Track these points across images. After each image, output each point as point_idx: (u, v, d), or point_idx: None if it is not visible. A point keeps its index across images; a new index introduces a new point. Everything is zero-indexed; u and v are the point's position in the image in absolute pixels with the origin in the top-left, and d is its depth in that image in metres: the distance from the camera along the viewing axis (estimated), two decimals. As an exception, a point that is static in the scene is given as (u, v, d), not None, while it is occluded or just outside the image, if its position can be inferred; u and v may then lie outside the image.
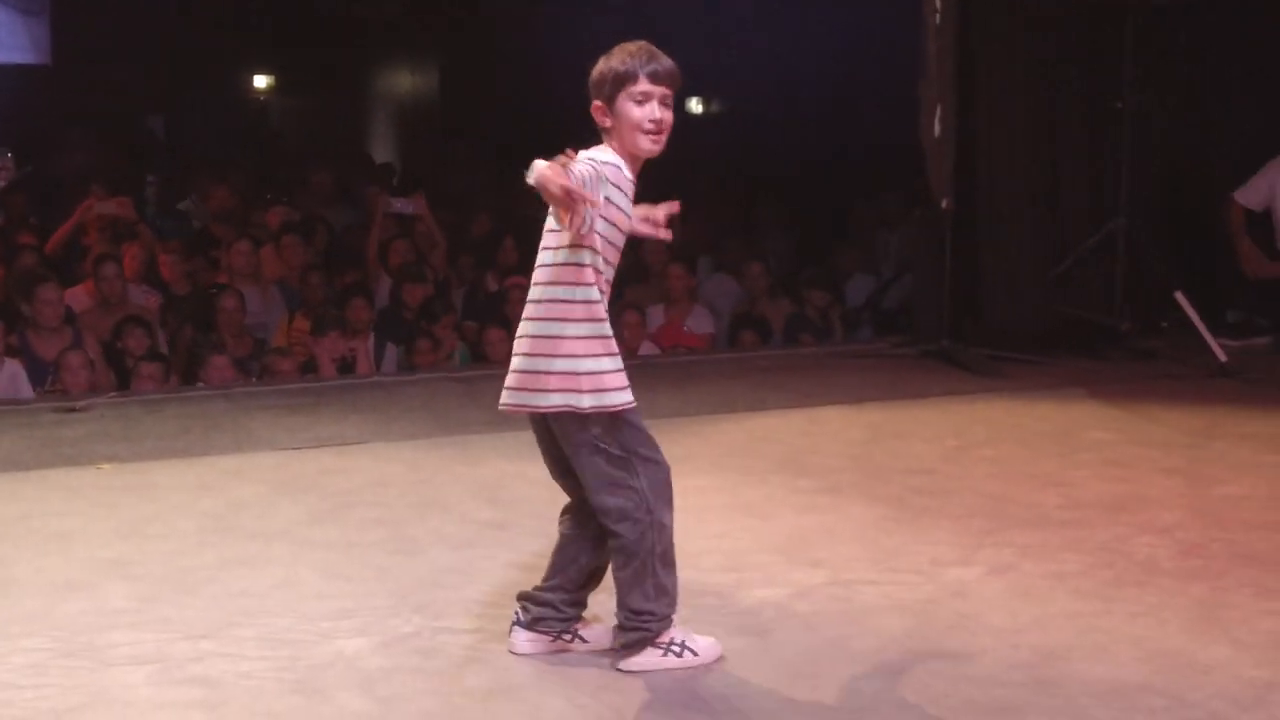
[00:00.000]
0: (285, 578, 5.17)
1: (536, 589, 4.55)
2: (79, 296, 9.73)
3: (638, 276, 10.54)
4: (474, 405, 7.68)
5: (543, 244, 4.33)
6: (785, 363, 8.61)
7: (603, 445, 4.27)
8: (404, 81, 19.86)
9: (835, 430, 7.17)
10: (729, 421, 7.31)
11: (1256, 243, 9.15)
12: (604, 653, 4.48)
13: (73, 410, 7.57)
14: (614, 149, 4.34)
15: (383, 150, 17.20)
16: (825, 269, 11.02)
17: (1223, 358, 8.35)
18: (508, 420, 7.22)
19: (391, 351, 9.47)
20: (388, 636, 4.65)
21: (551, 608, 4.51)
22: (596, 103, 4.36)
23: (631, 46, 4.37)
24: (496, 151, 15.59)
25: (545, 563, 4.67)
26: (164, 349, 9.25)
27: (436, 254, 11.00)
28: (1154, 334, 8.91)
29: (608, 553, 4.41)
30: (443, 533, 5.65)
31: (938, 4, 8.42)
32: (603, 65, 4.36)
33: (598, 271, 4.23)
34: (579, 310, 4.23)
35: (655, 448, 4.36)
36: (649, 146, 4.32)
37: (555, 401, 4.24)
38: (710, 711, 4.17)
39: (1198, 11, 8.89)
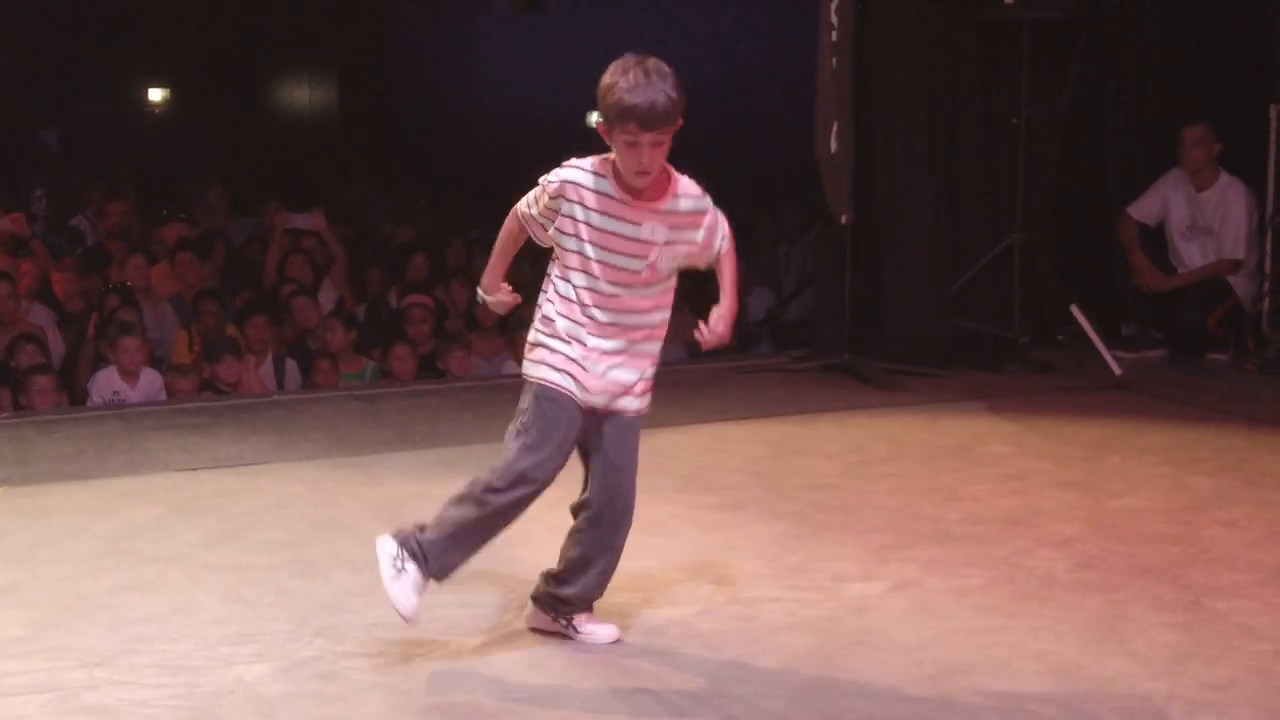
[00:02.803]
0: (183, 603, 5.09)
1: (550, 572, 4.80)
2: (-31, 315, 9.57)
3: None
4: (376, 424, 7.64)
5: None
6: (687, 378, 8.57)
7: (520, 409, 4.55)
8: (302, 95, 19.73)
9: (737, 446, 7.18)
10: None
11: (1150, 257, 9.29)
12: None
13: (-38, 432, 7.44)
14: (615, 172, 4.45)
15: (280, 165, 17.01)
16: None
17: (1118, 371, 8.44)
18: (409, 440, 7.29)
19: (292, 368, 9.39)
20: (288, 662, 4.60)
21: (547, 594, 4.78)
22: (599, 121, 4.44)
23: (636, 73, 4.35)
24: (396, 165, 15.57)
25: (453, 584, 4.67)
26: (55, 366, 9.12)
27: (335, 270, 10.93)
28: (1051, 347, 9.01)
29: (587, 544, 4.70)
30: (345, 555, 5.58)
31: (834, 21, 8.47)
32: (609, 84, 4.38)
33: (567, 269, 4.49)
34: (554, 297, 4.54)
35: (540, 449, 4.51)
36: (635, 182, 4.43)
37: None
38: (615, 733, 4.16)
39: (1092, 28, 8.99)
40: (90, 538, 5.78)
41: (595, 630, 4.75)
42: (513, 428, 4.56)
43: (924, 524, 5.94)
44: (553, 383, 4.50)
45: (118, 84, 18.94)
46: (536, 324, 4.60)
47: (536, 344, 4.57)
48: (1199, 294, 9.06)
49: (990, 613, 5.01)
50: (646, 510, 6.01)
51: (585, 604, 4.76)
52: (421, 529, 4.61)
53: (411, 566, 4.53)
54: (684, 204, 4.53)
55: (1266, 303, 8.76)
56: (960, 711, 4.27)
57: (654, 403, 4.72)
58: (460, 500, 4.60)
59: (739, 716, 4.25)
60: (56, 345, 9.61)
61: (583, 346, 4.49)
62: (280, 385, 9.18)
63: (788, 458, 6.97)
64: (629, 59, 4.42)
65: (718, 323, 4.68)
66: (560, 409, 4.50)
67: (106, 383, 8.72)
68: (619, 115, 4.34)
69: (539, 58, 15.75)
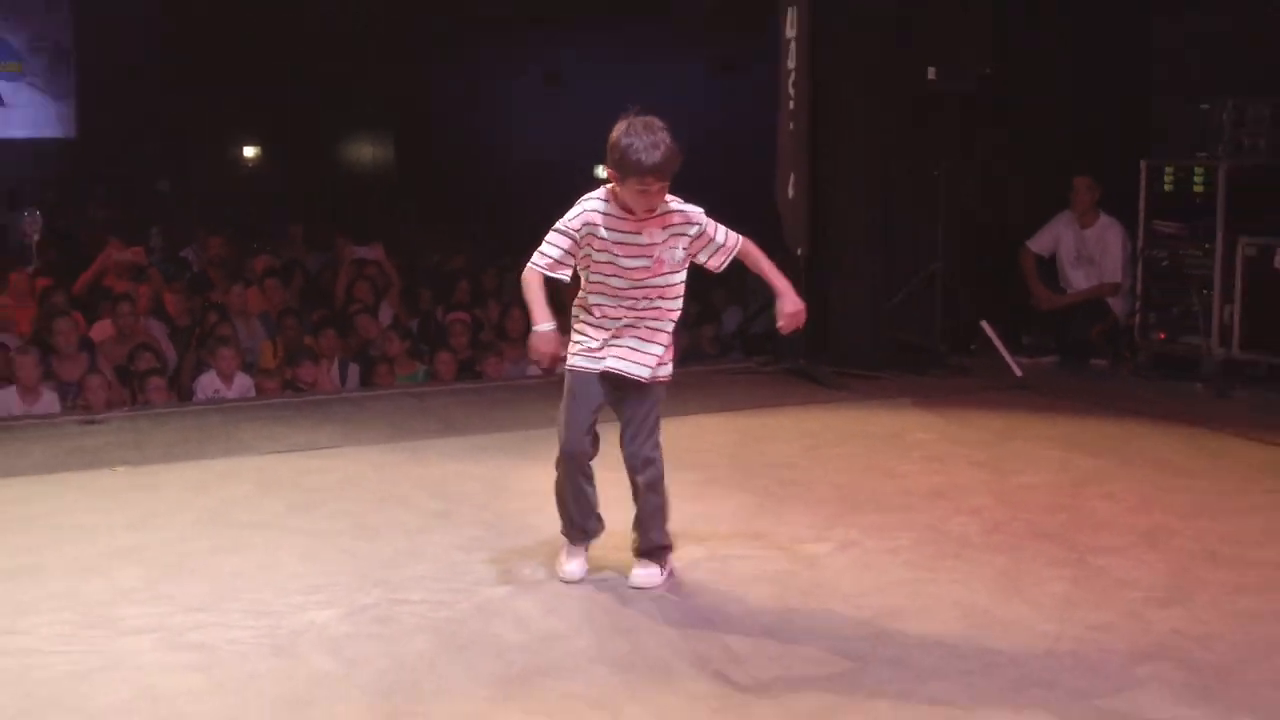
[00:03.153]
0: (267, 560, 5.08)
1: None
2: (103, 328, 9.57)
3: (558, 311, 10.45)
4: (424, 417, 7.62)
5: None
6: (674, 380, 8.51)
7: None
8: (366, 152, 19.75)
9: (713, 434, 7.16)
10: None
11: (1045, 281, 9.28)
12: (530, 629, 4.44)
13: (92, 423, 7.41)
14: (614, 196, 4.55)
15: (347, 207, 17.00)
16: (708, 305, 10.99)
17: (1019, 373, 8.44)
18: (452, 429, 7.27)
19: (356, 371, 9.37)
20: (351, 608, 4.58)
21: None
22: (609, 167, 4.49)
23: (644, 135, 4.39)
24: (438, 210, 15.57)
25: (484, 545, 4.69)
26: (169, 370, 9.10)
27: (391, 292, 10.91)
28: (965, 354, 8.98)
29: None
30: (398, 521, 5.57)
31: (791, 93, 8.48)
32: (623, 145, 4.41)
33: (591, 284, 4.64)
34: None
35: (568, 421, 4.67)
36: (642, 215, 4.54)
37: None
38: (614, 662, 4.14)
39: (997, 99, 8.98)
40: (193, 509, 5.77)
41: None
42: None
43: (864, 496, 5.93)
44: (577, 366, 4.65)
45: (219, 143, 18.95)
46: (573, 329, 4.73)
47: (576, 340, 4.70)
48: (1084, 312, 9.05)
49: (916, 568, 5.00)
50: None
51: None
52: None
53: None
54: (672, 210, 4.62)
55: (1138, 319, 8.74)
56: (891, 646, 4.26)
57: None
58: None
59: (713, 653, 4.23)
60: (168, 353, 9.59)
61: (605, 333, 4.62)
62: (344, 384, 9.16)
63: (755, 443, 6.95)
64: (634, 120, 4.45)
65: (785, 305, 4.86)
66: (584, 383, 4.64)
67: (208, 383, 8.70)
68: (634, 170, 4.41)
69: (557, 121, 15.75)
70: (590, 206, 4.59)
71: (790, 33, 8.41)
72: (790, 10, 8.38)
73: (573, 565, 4.83)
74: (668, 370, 4.74)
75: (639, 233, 4.57)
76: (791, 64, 8.45)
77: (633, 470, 4.74)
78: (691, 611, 4.58)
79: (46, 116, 18.63)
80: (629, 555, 4.86)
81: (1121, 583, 4.82)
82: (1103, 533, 5.38)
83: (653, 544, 4.79)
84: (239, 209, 15.63)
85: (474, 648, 4.26)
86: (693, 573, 4.93)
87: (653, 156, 4.38)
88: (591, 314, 4.68)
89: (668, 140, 4.42)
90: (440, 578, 4.87)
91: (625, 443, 4.73)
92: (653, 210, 4.54)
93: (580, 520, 4.81)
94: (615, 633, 4.38)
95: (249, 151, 19.51)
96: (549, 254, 4.59)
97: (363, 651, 4.23)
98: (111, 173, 17.10)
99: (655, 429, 4.74)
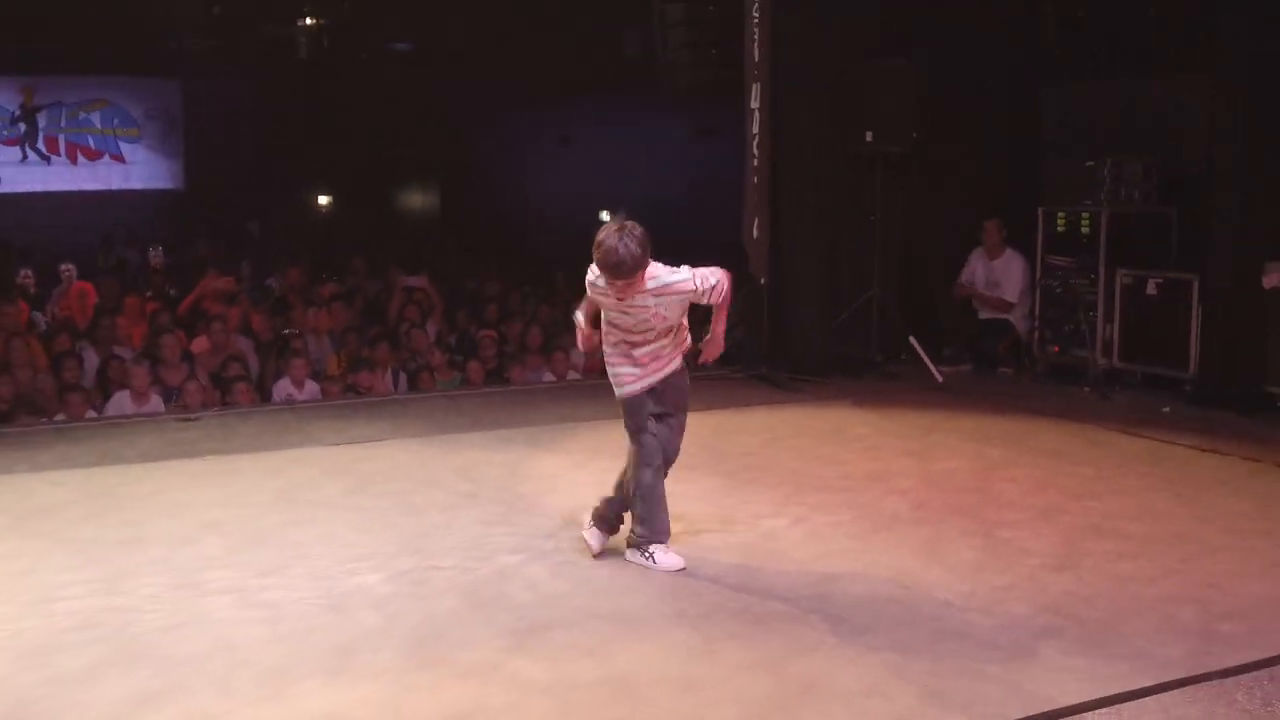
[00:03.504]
0: (326, 533, 4.99)
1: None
2: (201, 343, 9.46)
3: (568, 329, 10.39)
4: (458, 414, 7.52)
5: None
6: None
7: (623, 416, 4.58)
8: (416, 199, 19.68)
9: (693, 428, 6.91)
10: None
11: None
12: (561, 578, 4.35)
13: (189, 420, 7.31)
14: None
15: (399, 244, 16.92)
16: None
17: (940, 379, 8.34)
18: (481, 424, 7.18)
19: (404, 378, 9.26)
20: (393, 572, 4.50)
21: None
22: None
23: (613, 242, 4.21)
24: (474, 246, 15.48)
25: (504, 520, 4.60)
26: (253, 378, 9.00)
27: (435, 314, 10.80)
28: (896, 363, 8.87)
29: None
30: (434, 500, 5.48)
31: (755, 152, 8.40)
32: (598, 241, 4.26)
33: (612, 327, 4.54)
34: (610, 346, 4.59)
35: (644, 427, 4.58)
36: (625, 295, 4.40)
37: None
38: (607, 617, 4.05)
39: (922, 157, 8.90)
40: (267, 490, 5.68)
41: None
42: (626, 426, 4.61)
43: (813, 479, 5.84)
44: (632, 392, 4.56)
45: (298, 192, 18.91)
46: (609, 367, 4.61)
47: (619, 373, 4.57)
48: (992, 329, 8.94)
49: (855, 539, 4.91)
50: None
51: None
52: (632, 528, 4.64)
53: (654, 548, 4.58)
54: (655, 283, 4.39)
55: (1036, 335, 8.64)
56: (836, 604, 4.19)
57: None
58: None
59: (687, 608, 4.15)
60: (253, 363, 9.49)
61: (632, 365, 4.55)
62: (396, 388, 9.05)
63: (725, 435, 6.86)
64: (614, 228, 4.26)
65: (707, 345, 4.71)
66: (639, 403, 4.58)
67: (283, 388, 8.58)
68: (604, 271, 4.30)
69: (570, 175, 15.69)
70: (591, 277, 4.49)
71: (754, 104, 8.33)
72: (754, 85, 8.30)
73: (674, 557, 4.57)
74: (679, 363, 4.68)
75: (628, 299, 4.41)
76: (755, 129, 8.37)
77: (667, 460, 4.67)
78: (670, 574, 4.49)
79: (160, 171, 18.60)
80: (620, 531, 4.76)
81: (1022, 551, 4.73)
82: (1007, 510, 5.29)
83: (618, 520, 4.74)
84: (313, 245, 15.52)
85: (492, 605, 4.18)
86: (673, 544, 4.83)
87: (627, 265, 4.21)
88: (618, 348, 4.55)
89: (634, 251, 4.20)
90: (467, 547, 4.78)
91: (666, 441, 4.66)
92: (623, 297, 4.36)
93: (667, 516, 4.62)
94: (607, 595, 4.30)
95: (322, 199, 19.45)
96: (582, 304, 4.66)
97: (401, 608, 4.15)
98: (212, 217, 17.06)
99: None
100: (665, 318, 4.46)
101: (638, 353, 4.54)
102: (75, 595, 4.27)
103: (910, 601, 4.20)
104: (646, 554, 4.55)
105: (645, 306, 4.42)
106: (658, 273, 4.39)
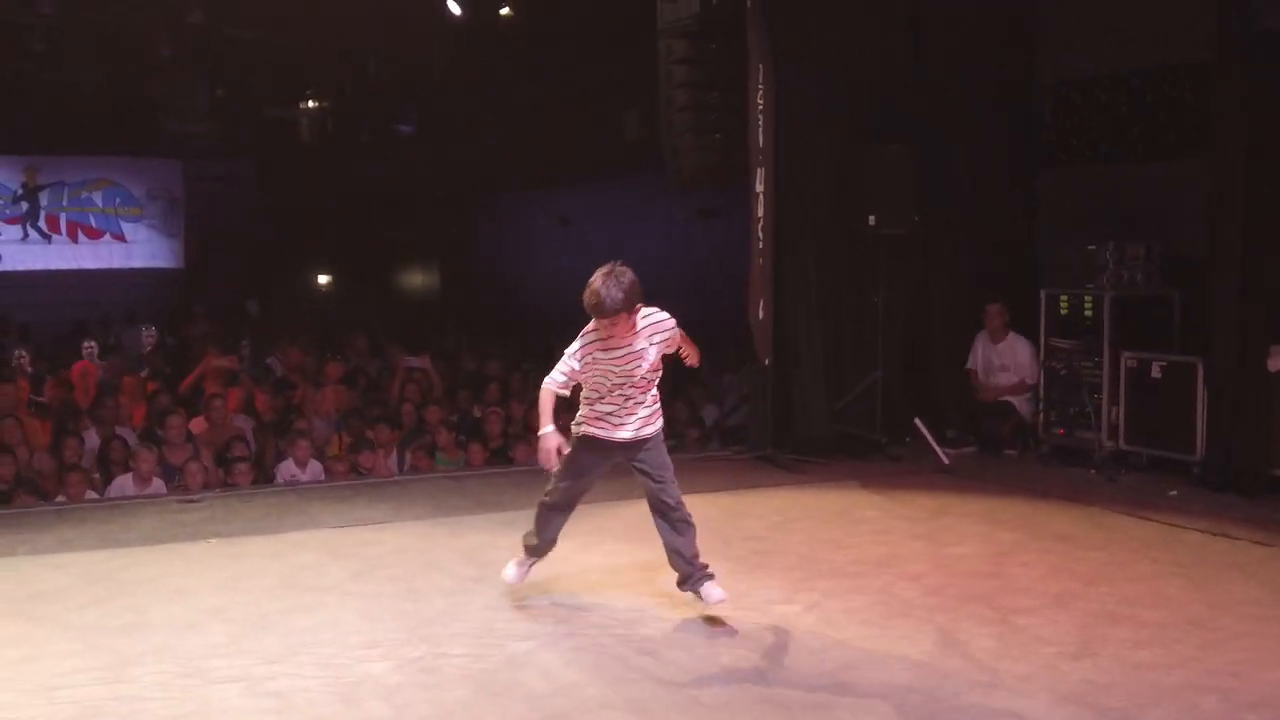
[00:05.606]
0: (332, 619, 4.93)
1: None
2: (200, 423, 9.42)
3: (571, 408, 10.36)
4: (461, 496, 7.45)
5: None
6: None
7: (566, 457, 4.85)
8: (416, 280, 19.78)
9: (700, 511, 6.81)
10: (626, 505, 7.08)
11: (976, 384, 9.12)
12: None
13: (191, 502, 7.25)
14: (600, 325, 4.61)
15: (400, 325, 16.99)
16: (692, 407, 10.82)
17: (946, 461, 8.31)
18: (484, 506, 7.12)
19: (407, 458, 9.22)
20: (402, 660, 4.44)
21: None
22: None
23: (602, 285, 4.49)
24: (474, 325, 15.53)
25: (512, 606, 4.61)
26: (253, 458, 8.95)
27: (435, 393, 10.79)
28: (901, 445, 8.83)
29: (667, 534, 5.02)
30: (441, 586, 5.42)
31: (760, 235, 8.47)
32: (589, 286, 4.52)
33: (593, 392, 4.78)
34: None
35: (576, 476, 4.90)
36: (620, 335, 4.64)
37: None
38: (621, 708, 3.98)
39: (924, 241, 8.97)
40: (270, 574, 5.62)
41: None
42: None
43: (823, 564, 5.78)
44: (582, 432, 4.84)
45: (298, 272, 19.03)
46: (577, 419, 4.88)
47: (578, 424, 4.86)
48: (995, 413, 8.92)
49: (870, 625, 4.86)
50: (640, 555, 5.92)
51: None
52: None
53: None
54: (647, 320, 4.71)
55: (1041, 417, 8.64)
56: (851, 693, 4.13)
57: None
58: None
59: (703, 697, 4.08)
60: (254, 443, 9.44)
61: (606, 422, 4.80)
62: (400, 470, 9.01)
63: (731, 518, 6.79)
64: (603, 270, 4.55)
65: (689, 355, 4.94)
66: (585, 450, 4.87)
67: (287, 469, 8.52)
68: (595, 314, 4.56)
69: (567, 254, 15.77)
70: (589, 340, 4.66)
71: (759, 187, 8.41)
72: (759, 170, 8.40)
73: (519, 572, 5.03)
74: (661, 422, 4.91)
75: (630, 344, 4.67)
76: (760, 212, 8.44)
77: (665, 509, 4.82)
78: (683, 662, 4.43)
79: (161, 250, 18.72)
80: (635, 595, 4.74)
81: (1039, 639, 4.68)
82: (1021, 596, 5.23)
83: (697, 566, 4.86)
84: (314, 325, 15.56)
85: (506, 696, 4.11)
86: (682, 630, 4.79)
87: (605, 306, 4.49)
88: (594, 408, 4.80)
89: (623, 290, 4.48)
90: (476, 634, 4.72)
91: (656, 492, 4.84)
92: (613, 335, 4.61)
93: (550, 538, 4.99)
94: (621, 683, 4.23)
95: (322, 279, 19.53)
96: (559, 376, 4.72)
97: (411, 699, 4.08)
98: (211, 296, 17.13)
99: (674, 476, 4.91)
100: (646, 358, 4.69)
101: (620, 405, 4.75)
102: (78, 684, 4.20)
103: (930, 692, 4.14)
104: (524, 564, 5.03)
105: (641, 351, 4.66)
106: (646, 311, 4.71)
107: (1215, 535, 6.31)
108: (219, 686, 4.17)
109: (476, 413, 10.36)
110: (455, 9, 11.48)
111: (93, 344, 11.90)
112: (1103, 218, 8.82)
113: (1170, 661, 4.43)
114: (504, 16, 12.15)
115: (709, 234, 13.20)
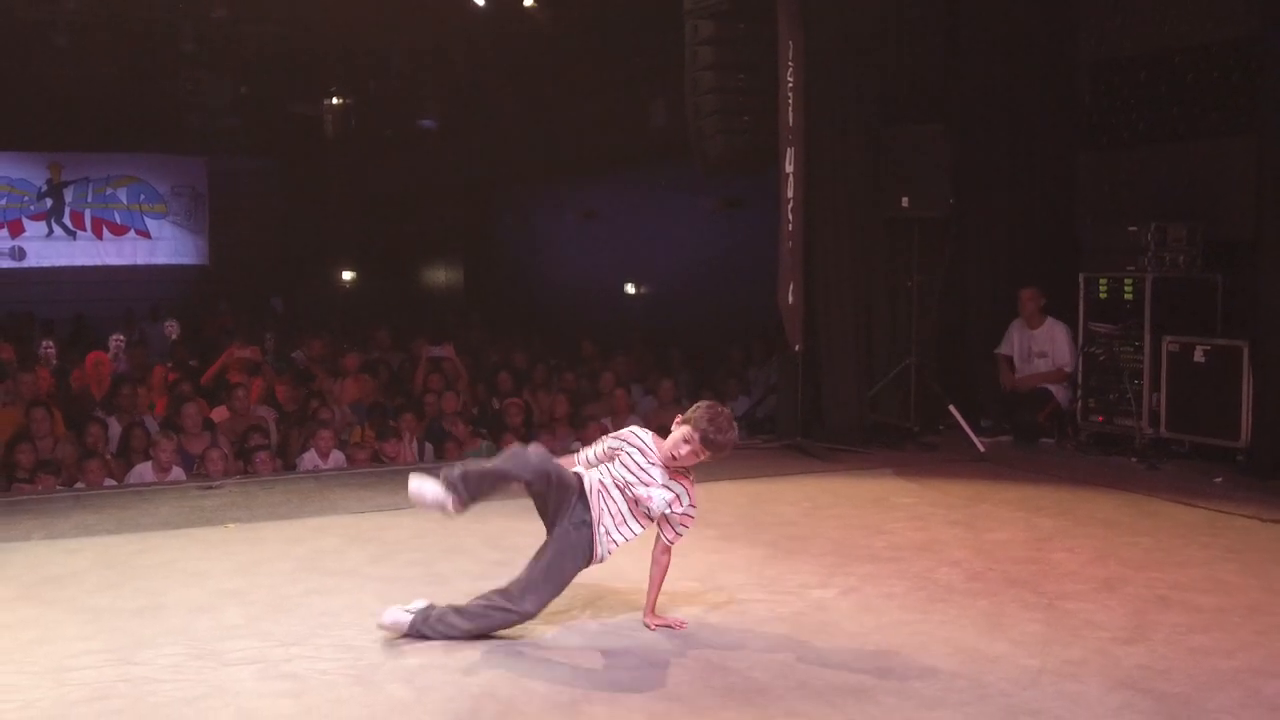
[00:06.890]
0: (352, 602, 4.77)
1: None
2: (222, 412, 9.33)
3: (595, 398, 10.20)
4: (485, 483, 7.30)
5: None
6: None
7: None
8: (440, 274, 19.68)
9: (729, 498, 6.81)
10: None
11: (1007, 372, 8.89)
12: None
13: (210, 488, 7.13)
14: (660, 444, 4.42)
15: (423, 316, 16.86)
16: (721, 396, 10.63)
17: (981, 449, 8.10)
18: (508, 492, 6.92)
19: (429, 447, 9.08)
20: (423, 643, 4.26)
21: None
22: (698, 443, 4.36)
23: (726, 428, 4.37)
24: (498, 319, 15.39)
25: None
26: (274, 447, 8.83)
27: (459, 383, 10.65)
28: (935, 433, 8.62)
29: None
30: (462, 569, 5.26)
31: (790, 218, 8.27)
32: (710, 434, 4.32)
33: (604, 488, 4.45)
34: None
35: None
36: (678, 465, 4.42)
37: None
38: (651, 693, 3.81)
39: (959, 223, 8.75)
40: (290, 558, 5.47)
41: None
42: None
43: (859, 549, 5.59)
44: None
45: (322, 266, 18.97)
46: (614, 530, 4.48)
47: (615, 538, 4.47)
48: (1031, 400, 8.69)
49: (910, 611, 4.66)
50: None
51: None
52: None
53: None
54: (688, 473, 4.46)
55: (1079, 404, 8.40)
56: (893, 679, 3.94)
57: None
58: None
59: (736, 684, 3.91)
60: (275, 433, 9.32)
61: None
62: (421, 458, 8.86)
63: (763, 505, 6.62)
64: (714, 416, 4.33)
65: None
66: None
67: (309, 460, 8.40)
68: (712, 446, 4.31)
69: (592, 249, 15.62)
70: (643, 439, 4.42)
71: (789, 168, 8.21)
72: (789, 150, 8.20)
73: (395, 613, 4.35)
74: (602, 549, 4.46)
75: (657, 468, 4.37)
76: (790, 193, 8.24)
77: (493, 594, 4.41)
78: (718, 647, 4.25)
79: (186, 247, 18.72)
80: (662, 601, 4.53)
81: (1089, 624, 4.47)
82: (1067, 581, 5.02)
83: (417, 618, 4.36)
84: (335, 319, 15.47)
85: (529, 678, 3.94)
86: (716, 614, 4.61)
87: (730, 442, 4.35)
88: (617, 516, 4.43)
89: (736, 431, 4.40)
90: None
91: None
92: (691, 461, 4.38)
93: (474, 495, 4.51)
94: (651, 666, 4.06)
95: (346, 274, 19.47)
96: (587, 453, 4.54)
97: (432, 681, 3.92)
98: (236, 291, 17.11)
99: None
100: (651, 498, 4.39)
101: (599, 499, 4.43)
102: (89, 665, 4.06)
103: (975, 678, 3.94)
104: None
105: (659, 484, 4.37)
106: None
107: (1265, 521, 6.07)
108: (234, 668, 4.02)
109: (495, 405, 10.21)
110: (478, 0, 11.33)
111: (121, 338, 11.84)
112: (1143, 199, 8.58)
113: (1229, 647, 4.22)
114: (527, 7, 11.99)
115: (735, 226, 13.00)
